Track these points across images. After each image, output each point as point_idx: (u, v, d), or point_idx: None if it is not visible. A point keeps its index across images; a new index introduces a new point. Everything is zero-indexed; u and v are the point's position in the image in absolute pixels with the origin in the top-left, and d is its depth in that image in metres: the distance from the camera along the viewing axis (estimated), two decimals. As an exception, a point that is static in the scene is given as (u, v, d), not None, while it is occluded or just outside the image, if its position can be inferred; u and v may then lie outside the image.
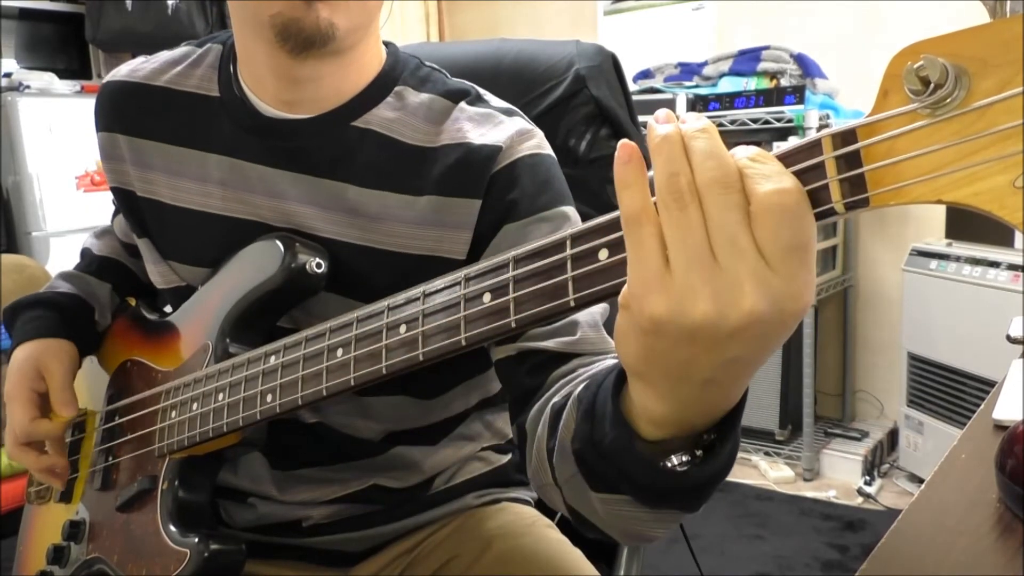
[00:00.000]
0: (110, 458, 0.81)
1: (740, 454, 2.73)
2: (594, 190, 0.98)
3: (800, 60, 2.57)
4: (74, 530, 0.80)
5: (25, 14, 2.87)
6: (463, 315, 0.50)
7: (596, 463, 0.49)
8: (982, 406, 0.81)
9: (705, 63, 2.77)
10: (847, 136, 0.37)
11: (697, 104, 2.67)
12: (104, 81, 0.82)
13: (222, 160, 0.75)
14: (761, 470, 2.62)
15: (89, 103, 0.82)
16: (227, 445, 0.71)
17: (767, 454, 2.68)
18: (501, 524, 0.83)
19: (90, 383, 0.87)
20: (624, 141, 0.40)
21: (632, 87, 1.13)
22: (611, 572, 0.95)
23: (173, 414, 0.73)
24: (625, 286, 0.40)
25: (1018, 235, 2.09)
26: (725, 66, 2.71)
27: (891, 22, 2.62)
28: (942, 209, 2.33)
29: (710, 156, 0.37)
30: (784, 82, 2.58)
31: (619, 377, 0.47)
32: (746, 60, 2.66)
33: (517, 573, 0.77)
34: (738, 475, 2.62)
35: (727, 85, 2.68)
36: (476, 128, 0.71)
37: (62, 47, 3.03)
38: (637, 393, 0.44)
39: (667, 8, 3.09)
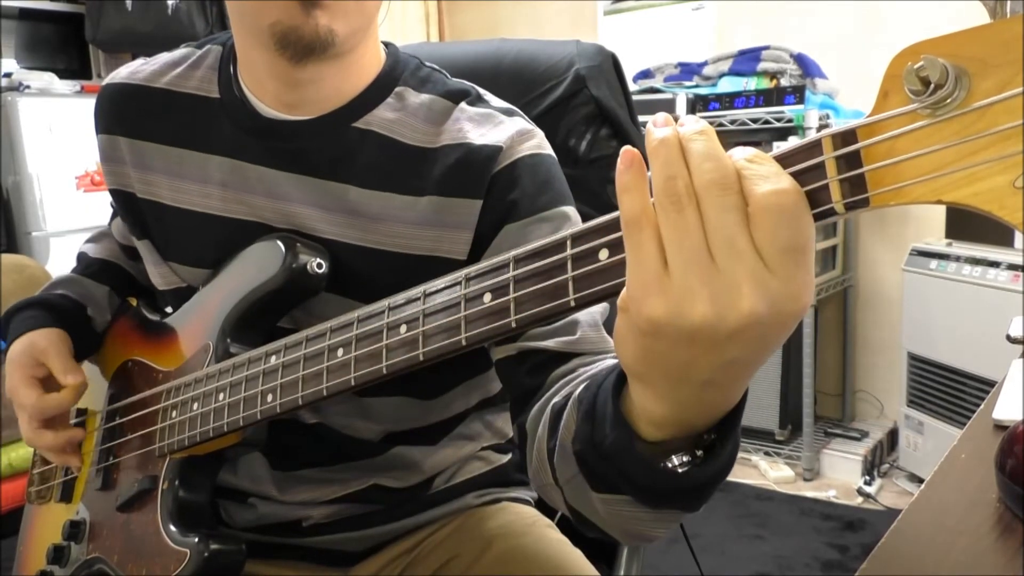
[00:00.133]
0: (111, 458, 0.81)
1: (740, 454, 2.72)
2: (594, 190, 0.98)
3: (800, 60, 2.57)
4: (74, 530, 0.80)
5: (25, 14, 2.87)
6: (463, 315, 0.50)
7: (597, 464, 0.49)
8: (982, 406, 0.81)
9: (705, 63, 2.77)
10: (847, 136, 0.37)
11: (697, 104, 2.68)
12: (103, 83, 0.82)
13: (223, 161, 0.75)
14: (761, 470, 2.62)
15: (89, 103, 0.82)
16: (228, 445, 0.71)
17: (767, 454, 2.68)
18: (501, 524, 0.83)
19: (91, 383, 0.87)
20: (626, 148, 0.40)
21: (632, 87, 1.13)
22: (611, 572, 0.95)
23: (174, 414, 0.73)
24: (624, 289, 0.40)
25: (1018, 235, 2.09)
26: (725, 66, 2.71)
27: (891, 22, 2.62)
28: (942, 209, 2.33)
29: (708, 158, 0.37)
30: (784, 82, 2.58)
31: (619, 378, 0.47)
32: (746, 60, 2.66)
33: (517, 573, 0.77)
34: (738, 475, 2.62)
35: (727, 85, 2.69)
36: (476, 128, 0.71)
37: (62, 47, 3.03)
38: (637, 394, 0.44)
39: (667, 8, 3.09)
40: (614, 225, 0.43)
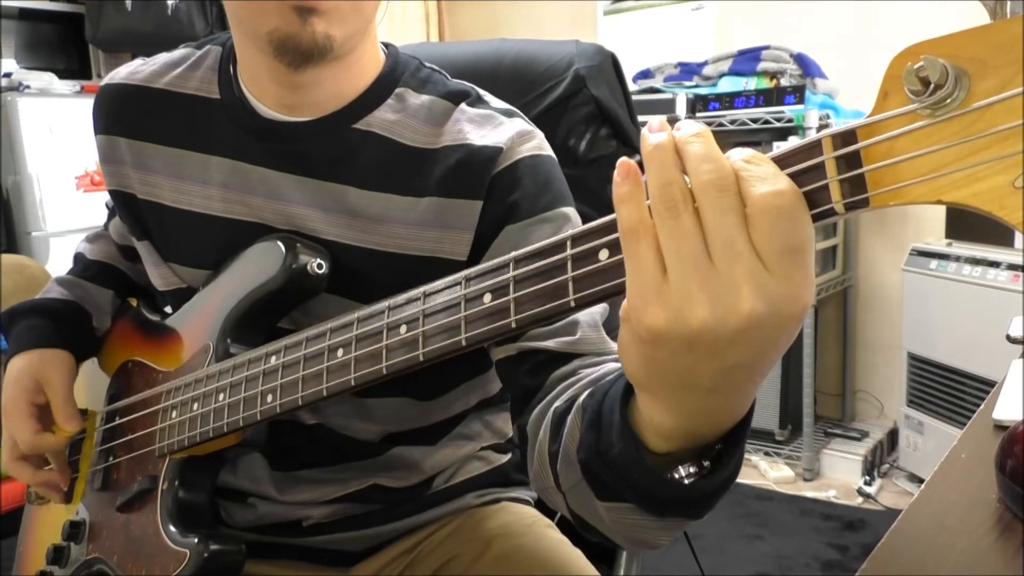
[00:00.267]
0: (110, 458, 0.81)
1: (740, 454, 2.74)
2: (594, 190, 0.98)
3: (800, 60, 2.57)
4: (74, 530, 0.80)
5: (25, 14, 2.87)
6: (463, 315, 0.50)
7: (602, 473, 0.49)
8: (982, 406, 0.81)
9: (705, 63, 2.77)
10: (847, 137, 0.37)
11: (697, 104, 2.67)
12: (102, 84, 0.82)
13: (223, 162, 0.75)
14: (761, 470, 2.62)
15: (89, 103, 0.82)
16: (227, 445, 0.71)
17: (767, 454, 2.68)
18: (501, 524, 0.83)
19: (90, 383, 0.87)
20: (623, 159, 0.40)
21: (632, 87, 1.13)
22: (611, 572, 0.95)
23: (174, 414, 0.73)
24: (625, 299, 0.40)
25: (1018, 235, 2.09)
26: (725, 66, 2.71)
27: (891, 22, 2.62)
28: (942, 209, 2.33)
29: (706, 159, 0.37)
30: (784, 82, 2.58)
31: (627, 387, 0.47)
32: (746, 60, 2.66)
33: (517, 573, 0.77)
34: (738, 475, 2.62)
35: (727, 85, 2.69)
36: (477, 129, 0.71)
37: (62, 47, 3.03)
38: (644, 405, 0.44)
39: (667, 8, 3.09)
40: (614, 225, 0.43)
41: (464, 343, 0.51)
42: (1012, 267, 2.08)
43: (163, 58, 0.81)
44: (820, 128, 2.44)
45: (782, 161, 0.38)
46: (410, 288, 0.56)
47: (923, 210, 2.60)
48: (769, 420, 2.66)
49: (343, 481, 0.80)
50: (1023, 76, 0.32)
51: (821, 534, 2.23)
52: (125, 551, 0.75)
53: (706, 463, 0.45)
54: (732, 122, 2.60)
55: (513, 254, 0.48)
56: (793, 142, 0.39)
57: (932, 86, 0.34)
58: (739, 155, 0.38)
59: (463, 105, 0.73)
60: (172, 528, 0.71)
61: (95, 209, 2.61)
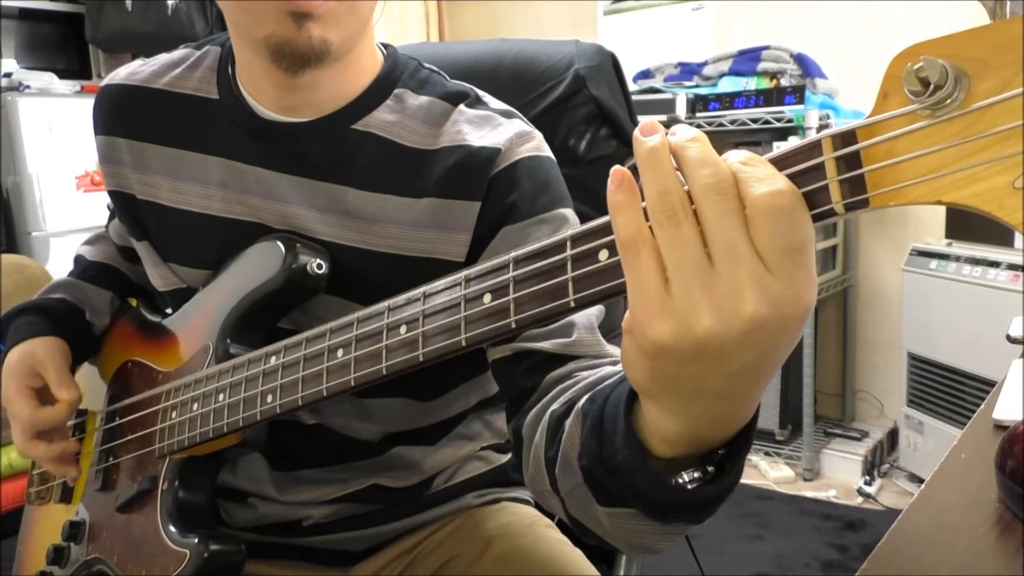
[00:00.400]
0: (110, 458, 0.81)
1: (740, 454, 2.74)
2: (594, 190, 0.98)
3: (800, 60, 2.57)
4: (74, 530, 0.80)
5: (25, 14, 2.87)
6: (463, 316, 0.50)
7: (604, 479, 0.48)
8: (982, 406, 0.81)
9: (705, 63, 2.77)
10: (847, 137, 0.37)
11: (697, 104, 2.67)
12: (102, 84, 0.82)
13: (222, 162, 0.75)
14: (761, 470, 2.62)
15: (89, 103, 0.82)
16: (227, 446, 0.71)
17: (767, 454, 2.68)
18: (501, 524, 0.83)
19: (91, 384, 0.87)
20: (616, 168, 0.39)
21: (632, 87, 1.13)
22: (611, 572, 0.95)
23: (174, 415, 0.73)
24: (627, 311, 0.39)
25: (1018, 235, 2.09)
26: (725, 66, 2.71)
27: (891, 22, 2.62)
28: (942, 209, 2.33)
29: (704, 163, 0.37)
30: (784, 82, 2.58)
31: (631, 393, 0.47)
32: (746, 60, 2.66)
33: (517, 573, 0.77)
34: (738, 475, 2.62)
35: (727, 85, 2.68)
36: (475, 130, 0.71)
37: (62, 47, 3.03)
38: (650, 412, 0.44)
39: (667, 8, 3.09)
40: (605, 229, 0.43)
41: (464, 343, 0.51)
42: (1012, 267, 2.08)
43: (162, 58, 0.81)
44: (820, 128, 2.44)
45: (782, 161, 0.38)
46: (407, 289, 0.55)
47: (923, 210, 2.60)
48: (769, 420, 2.66)
49: (343, 481, 0.80)
50: (1023, 76, 0.32)
51: (821, 534, 2.23)
52: (125, 551, 0.75)
53: (710, 468, 0.45)
54: (732, 122, 2.60)
55: (513, 254, 0.48)
56: (793, 142, 0.39)
57: (932, 87, 0.34)
58: (736, 157, 0.37)
59: (462, 106, 0.73)
60: (172, 528, 0.71)
61: (95, 209, 2.61)
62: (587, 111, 0.98)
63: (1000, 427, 0.75)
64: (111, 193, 0.82)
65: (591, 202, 0.97)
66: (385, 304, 0.56)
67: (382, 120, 0.73)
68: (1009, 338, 1.00)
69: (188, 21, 2.82)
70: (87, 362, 0.88)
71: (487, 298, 0.49)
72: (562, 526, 0.84)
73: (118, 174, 0.80)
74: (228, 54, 0.78)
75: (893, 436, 2.69)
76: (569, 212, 0.70)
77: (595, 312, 0.66)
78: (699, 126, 2.66)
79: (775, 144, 2.58)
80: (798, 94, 2.49)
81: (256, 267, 0.71)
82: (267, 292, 0.70)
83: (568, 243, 0.45)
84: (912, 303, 2.38)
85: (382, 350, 0.55)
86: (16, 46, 2.92)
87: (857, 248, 2.83)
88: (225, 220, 0.75)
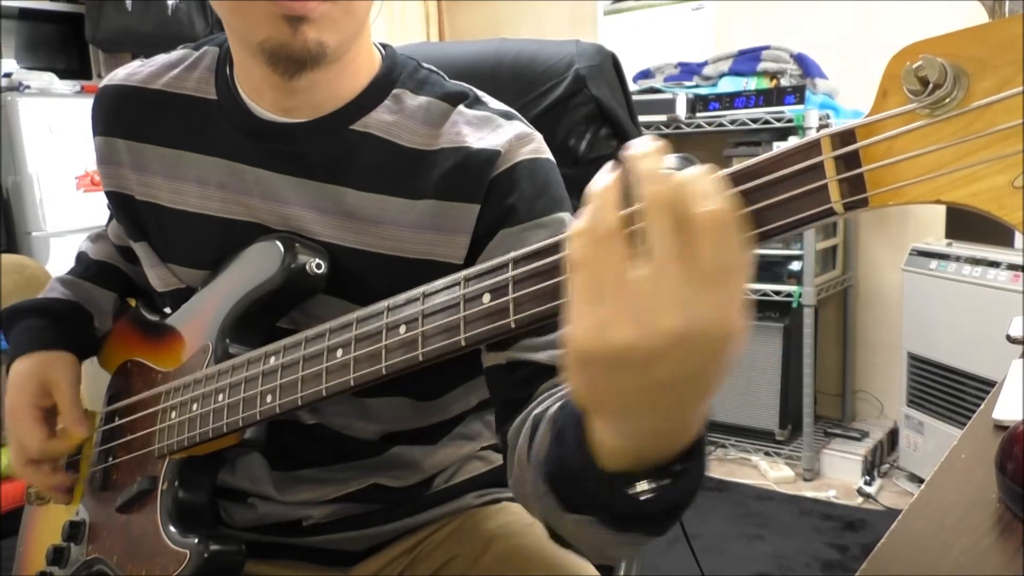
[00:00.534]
0: (110, 459, 0.81)
1: (740, 454, 2.74)
2: (594, 190, 0.98)
3: (800, 60, 2.57)
4: (74, 531, 0.80)
5: (25, 14, 2.87)
6: (463, 315, 0.50)
7: (563, 486, 0.50)
8: (982, 406, 0.81)
9: (705, 63, 2.77)
10: (846, 136, 0.37)
11: (697, 104, 2.68)
12: (101, 85, 0.82)
13: (220, 163, 0.75)
14: (761, 470, 2.62)
15: (89, 103, 0.82)
16: (227, 446, 0.71)
17: (767, 454, 2.68)
18: (501, 524, 0.83)
19: (90, 383, 0.87)
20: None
21: (632, 87, 1.13)
22: (611, 572, 0.95)
23: (173, 415, 0.73)
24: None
25: (1018, 235, 2.09)
26: (725, 66, 2.71)
27: (891, 22, 2.62)
28: (942, 209, 2.33)
29: (649, 180, 0.38)
30: (784, 82, 2.58)
31: None
32: (746, 60, 2.66)
33: (517, 573, 0.77)
34: (738, 475, 2.62)
35: (727, 85, 2.68)
36: (475, 132, 0.71)
37: (62, 47, 3.03)
38: (593, 425, 0.45)
39: (667, 8, 3.09)
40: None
41: (463, 343, 0.51)
42: (1012, 267, 2.08)
43: (161, 59, 0.81)
44: (820, 128, 2.44)
45: (781, 161, 0.38)
46: (406, 290, 0.55)
47: (923, 210, 2.60)
48: (769, 420, 2.66)
49: (343, 481, 0.80)
50: (1022, 75, 0.32)
51: (821, 534, 2.23)
52: (125, 551, 0.75)
53: (665, 481, 0.46)
54: (732, 122, 2.60)
55: (512, 254, 0.48)
56: (793, 142, 0.39)
57: (931, 85, 0.34)
58: (688, 172, 0.38)
59: (461, 107, 0.73)
60: (172, 528, 0.71)
61: (95, 209, 2.61)
62: (587, 111, 0.98)
63: (1000, 427, 0.75)
64: (109, 194, 0.82)
65: (591, 202, 0.97)
66: (384, 304, 0.56)
67: (381, 120, 0.73)
68: (1009, 338, 1.00)
69: (188, 21, 2.82)
70: (87, 360, 0.88)
71: (486, 298, 0.49)
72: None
73: (117, 175, 0.80)
74: (226, 55, 0.77)
75: (893, 436, 2.68)
76: (567, 216, 0.70)
77: None
78: (699, 126, 2.66)
79: (775, 144, 2.58)
80: (798, 94, 2.49)
81: (255, 267, 0.71)
82: (266, 292, 0.70)
83: (568, 242, 0.45)
84: (912, 303, 2.38)
85: (381, 350, 0.55)
86: (16, 46, 2.92)
87: (857, 248, 2.83)
88: (224, 220, 0.75)
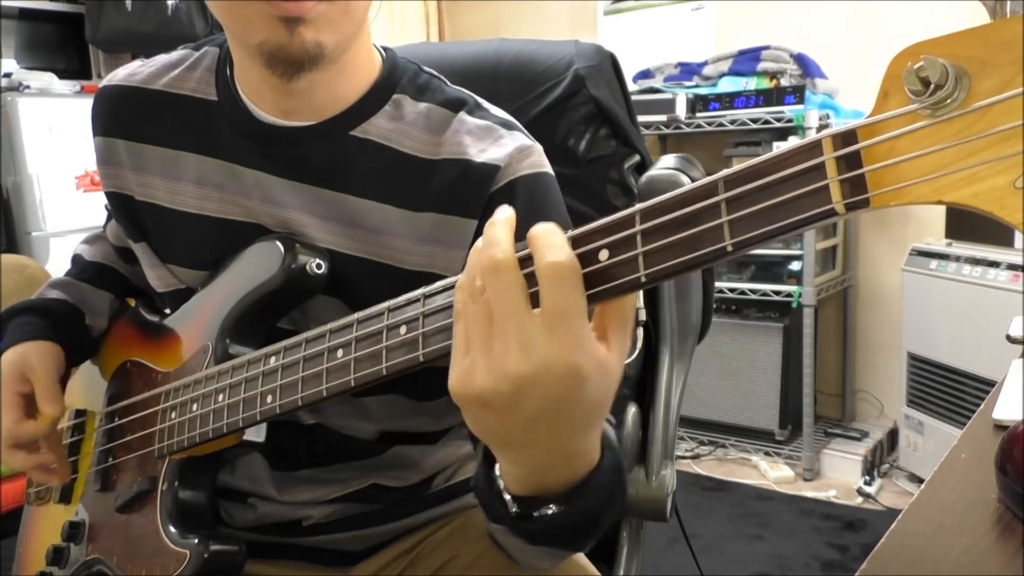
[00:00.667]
0: (110, 459, 0.80)
1: (740, 454, 2.75)
2: (594, 190, 0.99)
3: (800, 60, 2.57)
4: (74, 531, 0.80)
5: (25, 14, 2.87)
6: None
7: (480, 498, 0.54)
8: (982, 406, 0.81)
9: (705, 63, 2.77)
10: (847, 137, 0.37)
11: (697, 104, 2.68)
12: (101, 85, 0.82)
13: (220, 164, 0.75)
14: (761, 470, 2.62)
15: (89, 103, 0.82)
16: (227, 446, 0.71)
17: (767, 454, 2.68)
18: (501, 524, 0.83)
19: (90, 384, 0.87)
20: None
21: (632, 87, 1.14)
22: (611, 572, 0.95)
23: (173, 415, 0.72)
24: None
25: (1018, 235, 2.09)
26: (725, 66, 2.71)
27: (891, 22, 2.62)
28: (942, 209, 2.33)
29: (488, 245, 0.44)
30: (784, 82, 2.58)
31: None
32: (746, 60, 2.66)
33: (517, 573, 0.77)
34: (738, 475, 2.63)
35: (727, 85, 2.68)
36: (476, 143, 0.71)
37: (62, 47, 3.03)
38: (496, 456, 0.50)
39: (667, 8, 3.09)
40: (614, 226, 0.43)
41: (463, 343, 0.51)
42: (1012, 267, 2.08)
43: (161, 59, 0.81)
44: (820, 128, 2.44)
45: (782, 162, 0.38)
46: None
47: (923, 210, 2.60)
48: (769, 420, 2.66)
49: (343, 481, 0.80)
50: (1023, 76, 0.32)
51: (821, 534, 2.23)
52: (125, 552, 0.75)
53: (563, 506, 0.49)
54: (732, 122, 2.60)
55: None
56: (793, 142, 0.39)
57: (932, 86, 0.34)
58: (540, 227, 0.44)
59: (462, 114, 0.73)
60: (172, 528, 0.71)
61: (95, 209, 2.60)
62: (586, 111, 0.98)
63: (1000, 427, 0.75)
64: (109, 195, 0.81)
65: (591, 202, 0.97)
66: (385, 305, 0.56)
67: (381, 127, 0.72)
68: (1009, 338, 1.00)
69: (188, 21, 2.82)
70: (87, 362, 0.88)
71: (487, 298, 0.49)
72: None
73: (117, 175, 0.80)
74: (226, 55, 0.77)
75: (893, 436, 2.69)
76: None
77: None
78: (699, 126, 2.67)
79: (775, 144, 2.58)
80: (798, 94, 2.49)
81: (255, 267, 0.71)
82: (266, 292, 0.70)
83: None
84: (912, 303, 2.38)
85: (382, 350, 0.55)
86: (16, 46, 2.92)
87: (857, 248, 2.83)
88: (223, 221, 0.75)
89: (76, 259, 0.94)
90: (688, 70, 2.79)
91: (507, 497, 0.51)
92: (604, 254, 0.43)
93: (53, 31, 3.02)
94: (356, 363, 0.57)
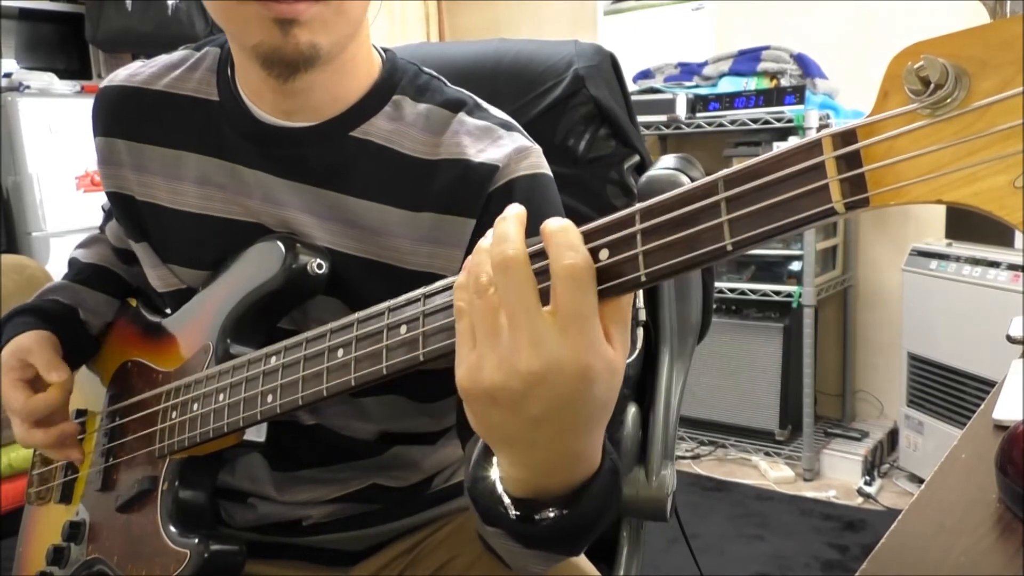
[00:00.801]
0: (110, 459, 0.81)
1: (740, 454, 2.75)
2: (593, 190, 0.99)
3: (800, 60, 2.57)
4: (74, 531, 0.80)
5: (25, 14, 2.87)
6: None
7: (477, 501, 0.54)
8: (982, 406, 0.81)
9: (705, 63, 2.77)
10: (847, 136, 0.37)
11: (697, 104, 2.68)
12: (101, 86, 0.82)
13: (221, 164, 0.75)
14: (761, 470, 2.62)
15: (89, 103, 0.82)
16: (227, 446, 0.71)
17: (767, 454, 2.68)
18: (501, 524, 0.83)
19: (90, 384, 0.87)
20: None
21: (632, 87, 1.14)
22: (611, 572, 0.95)
23: (174, 415, 0.73)
24: None
25: (1018, 235, 2.09)
26: (725, 66, 2.71)
27: (891, 22, 2.62)
28: (942, 209, 2.33)
29: (499, 240, 0.43)
30: (784, 82, 2.58)
31: None
32: (746, 60, 2.66)
33: (517, 573, 0.77)
34: (738, 475, 2.63)
35: (727, 85, 2.69)
36: (475, 144, 0.71)
37: (62, 47, 3.03)
38: (497, 458, 0.50)
39: (667, 8, 3.09)
40: (614, 225, 0.43)
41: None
42: (1012, 267, 2.08)
43: (162, 60, 0.81)
44: (820, 128, 2.44)
45: (782, 161, 0.38)
46: None
47: (923, 210, 2.60)
48: (769, 420, 2.66)
49: (343, 481, 0.80)
50: (1023, 75, 0.32)
51: (821, 534, 2.23)
52: (125, 551, 0.75)
53: (564, 510, 0.49)
54: (732, 122, 2.60)
55: None
56: (793, 142, 0.39)
57: (932, 86, 0.34)
58: (555, 224, 0.43)
59: (461, 114, 0.73)
60: (172, 528, 0.71)
61: (95, 209, 2.60)
62: (586, 111, 0.98)
63: (1000, 427, 0.75)
64: (110, 195, 0.82)
65: (590, 202, 0.97)
66: (385, 305, 0.56)
67: (381, 128, 0.72)
68: (1009, 338, 1.00)
69: (188, 21, 2.82)
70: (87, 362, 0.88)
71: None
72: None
73: (117, 176, 0.80)
74: (227, 56, 0.77)
75: (893, 436, 2.69)
76: None
77: None
78: (699, 126, 2.67)
79: (775, 144, 2.58)
80: (798, 94, 2.49)
81: (256, 267, 0.71)
82: (267, 292, 0.70)
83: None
84: (912, 303, 2.38)
85: (382, 350, 0.55)
86: (16, 46, 2.92)
87: (857, 248, 2.83)
88: (224, 221, 0.75)
89: (72, 263, 0.94)
90: (688, 70, 2.79)
91: (506, 500, 0.50)
92: (604, 253, 0.43)
93: (53, 31, 3.02)
94: (356, 362, 0.57)
